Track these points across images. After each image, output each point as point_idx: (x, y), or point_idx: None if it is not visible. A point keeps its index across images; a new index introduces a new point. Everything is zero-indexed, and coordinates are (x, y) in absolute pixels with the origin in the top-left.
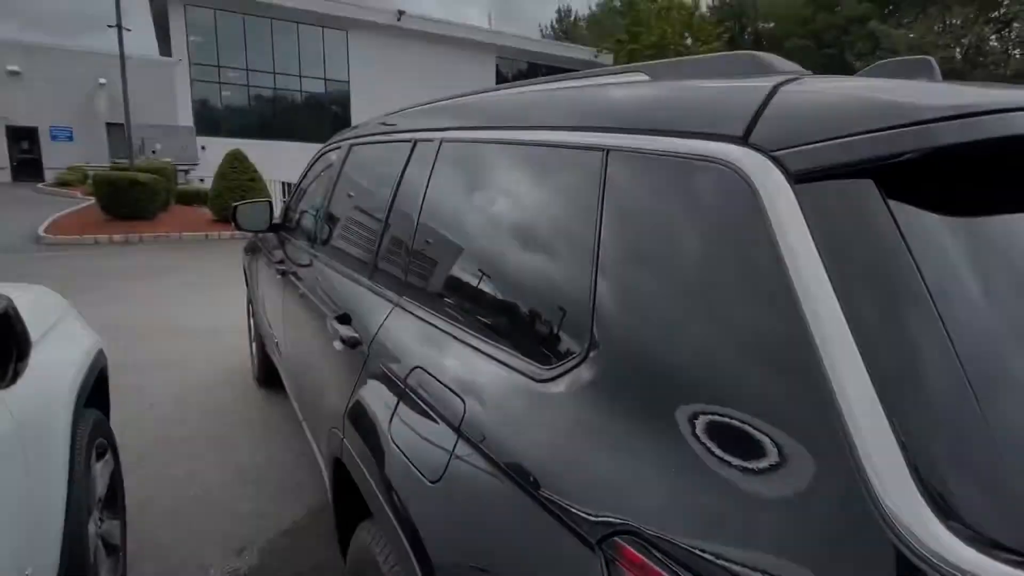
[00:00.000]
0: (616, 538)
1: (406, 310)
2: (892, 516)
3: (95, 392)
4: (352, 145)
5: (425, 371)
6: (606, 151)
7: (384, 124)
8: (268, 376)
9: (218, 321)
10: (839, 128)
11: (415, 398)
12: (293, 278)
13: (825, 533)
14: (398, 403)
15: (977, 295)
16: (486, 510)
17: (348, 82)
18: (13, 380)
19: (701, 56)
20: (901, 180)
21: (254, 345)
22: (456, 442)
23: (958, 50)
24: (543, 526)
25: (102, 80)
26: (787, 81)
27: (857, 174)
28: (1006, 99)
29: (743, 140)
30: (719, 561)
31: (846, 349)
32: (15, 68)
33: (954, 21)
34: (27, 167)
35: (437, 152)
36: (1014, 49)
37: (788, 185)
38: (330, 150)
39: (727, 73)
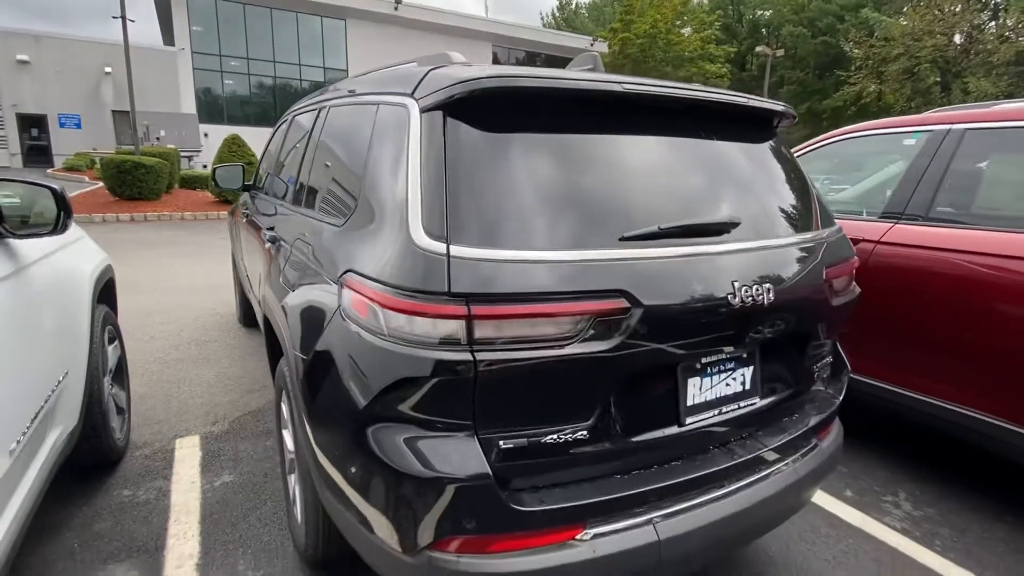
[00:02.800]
0: (344, 275)
1: (298, 212)
2: (415, 235)
3: (106, 294)
4: (293, 116)
5: (300, 239)
6: (378, 105)
7: (310, 98)
8: (248, 316)
9: (210, 280)
10: (435, 87)
11: (294, 255)
12: (255, 219)
13: (396, 247)
14: (286, 262)
15: (483, 164)
16: (309, 293)
17: (347, 70)
18: (63, 229)
19: (436, 54)
20: (451, 112)
21: (237, 293)
22: (307, 267)
23: (958, 38)
24: (324, 286)
25: (108, 69)
26: (437, 67)
27: (435, 108)
28: (482, 74)
29: (411, 95)
30: (370, 275)
31: (415, 181)
32: (24, 57)
33: (953, 9)
34: (36, 153)
35: (329, 112)
36: (1009, 36)
37: (419, 115)
38: (283, 122)
39: (434, 62)
